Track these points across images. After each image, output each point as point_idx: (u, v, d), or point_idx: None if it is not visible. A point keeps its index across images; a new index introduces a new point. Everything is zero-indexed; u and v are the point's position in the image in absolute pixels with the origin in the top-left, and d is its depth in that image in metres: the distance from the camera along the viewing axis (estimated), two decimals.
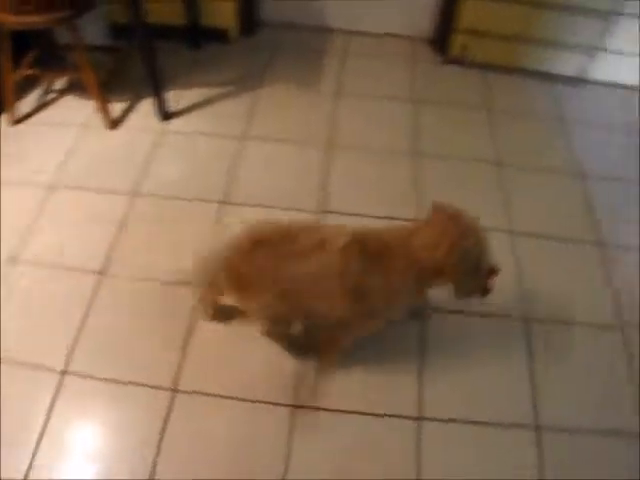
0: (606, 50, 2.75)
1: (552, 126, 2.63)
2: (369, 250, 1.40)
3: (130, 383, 1.70)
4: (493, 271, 1.47)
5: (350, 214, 2.13)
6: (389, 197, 2.21)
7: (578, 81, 2.86)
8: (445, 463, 1.63)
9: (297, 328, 1.76)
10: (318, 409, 1.69)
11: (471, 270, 1.41)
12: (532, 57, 2.80)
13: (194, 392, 1.69)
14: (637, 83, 2.89)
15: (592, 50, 2.74)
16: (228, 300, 1.61)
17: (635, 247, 2.22)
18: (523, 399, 1.79)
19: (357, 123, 2.48)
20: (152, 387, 1.70)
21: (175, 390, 1.69)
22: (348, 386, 1.75)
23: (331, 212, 2.13)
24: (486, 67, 2.81)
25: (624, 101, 2.86)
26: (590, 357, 1.92)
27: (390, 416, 1.70)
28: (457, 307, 1.93)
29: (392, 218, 2.14)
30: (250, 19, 2.84)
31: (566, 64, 2.81)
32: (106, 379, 1.70)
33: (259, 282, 1.43)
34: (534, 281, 2.05)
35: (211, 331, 1.81)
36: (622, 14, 2.58)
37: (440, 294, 1.87)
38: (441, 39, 2.80)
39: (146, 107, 2.49)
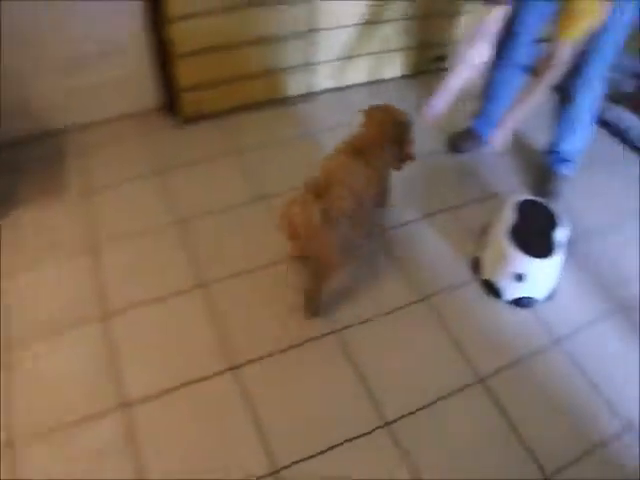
0: (318, 63, 2.99)
1: (302, 143, 2.78)
2: (364, 152, 1.97)
3: None
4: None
5: (138, 303, 2.06)
6: (168, 271, 2.17)
7: (310, 95, 3.07)
8: None
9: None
10: None
11: (408, 138, 2.12)
12: (263, 89, 2.94)
13: None
14: (356, 81, 3.20)
15: (310, 66, 2.95)
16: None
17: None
18: (364, 404, 1.83)
19: (115, 214, 2.38)
20: None
21: None
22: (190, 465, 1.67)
23: (117, 313, 2.03)
24: (224, 113, 2.88)
25: (353, 98, 3.12)
26: (407, 331, 2.04)
27: None
28: (267, 350, 1.95)
29: (178, 292, 2.11)
30: None
31: (295, 84, 3.00)
32: None
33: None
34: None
35: None
36: (320, 29, 2.82)
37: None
38: (173, 103, 2.81)
39: None
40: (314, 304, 2.01)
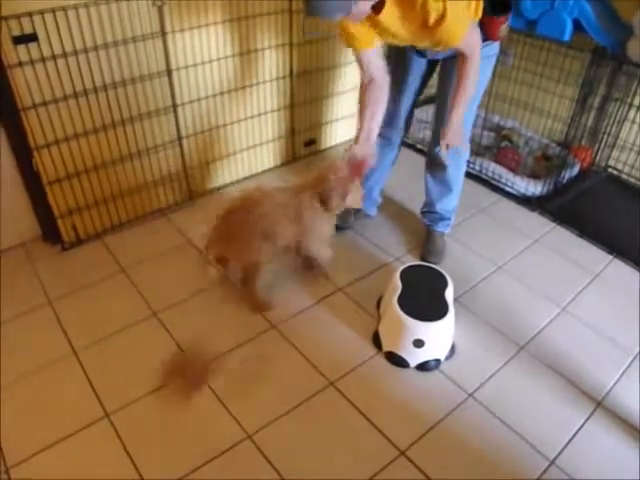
0: (191, 168, 3.04)
1: (183, 252, 2.77)
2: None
3: None
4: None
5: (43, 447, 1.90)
6: (69, 409, 2.04)
7: (187, 202, 3.11)
8: None
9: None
10: None
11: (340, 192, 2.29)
12: (139, 203, 2.94)
13: None
14: (233, 179, 3.28)
15: (182, 172, 3.01)
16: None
17: None
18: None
19: (9, 353, 2.22)
20: None
21: None
22: None
23: (19, 463, 1.87)
24: (104, 233, 2.85)
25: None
26: (321, 422, 1.99)
27: None
28: None
29: (87, 425, 1.99)
30: None
31: (170, 193, 3.04)
32: None
33: (242, 236, 2.23)
34: None
35: None
36: (189, 135, 2.89)
37: None
38: (51, 231, 2.73)
39: None
40: (249, 299, 2.42)
